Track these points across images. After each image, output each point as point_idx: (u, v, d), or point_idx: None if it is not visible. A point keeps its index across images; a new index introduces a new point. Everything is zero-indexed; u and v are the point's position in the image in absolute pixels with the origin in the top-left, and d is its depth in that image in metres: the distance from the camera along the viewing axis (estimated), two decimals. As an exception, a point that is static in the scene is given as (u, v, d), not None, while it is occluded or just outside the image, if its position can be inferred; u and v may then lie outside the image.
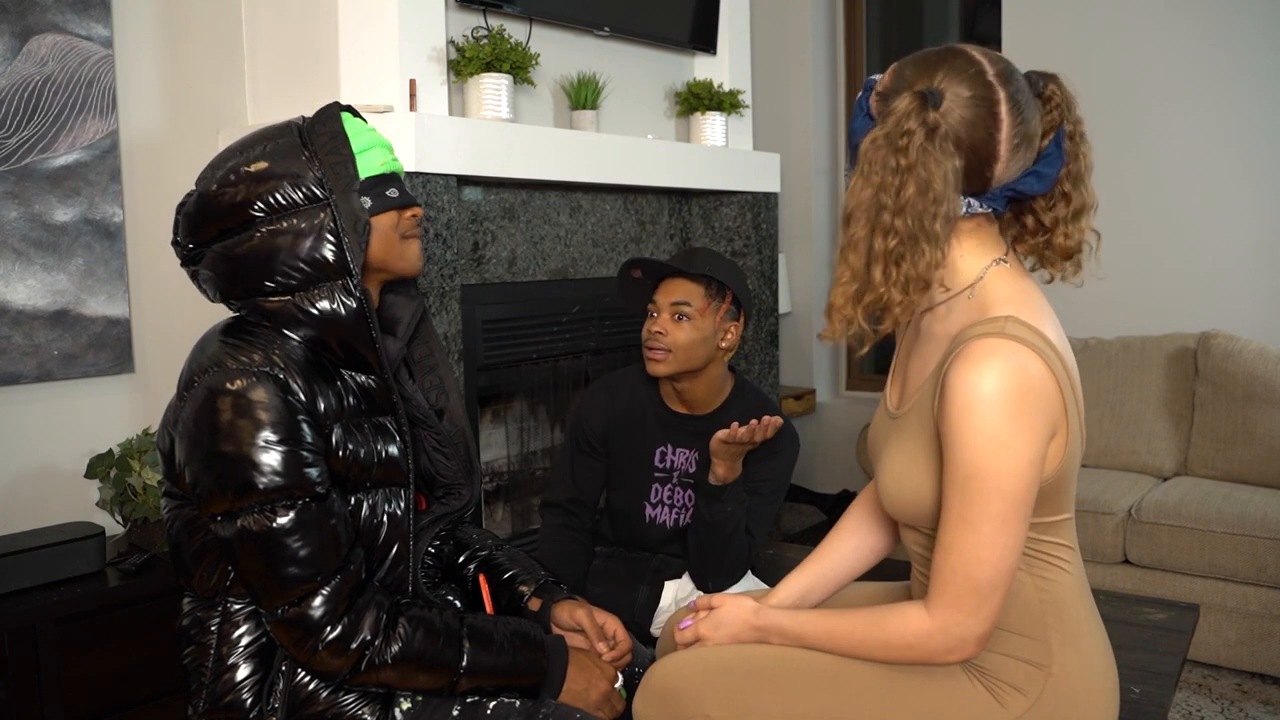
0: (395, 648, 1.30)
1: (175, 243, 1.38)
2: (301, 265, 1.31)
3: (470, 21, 2.64)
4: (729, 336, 2.00)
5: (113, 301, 2.35)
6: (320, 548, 1.26)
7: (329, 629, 1.25)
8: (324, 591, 1.25)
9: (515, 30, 2.71)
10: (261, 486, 1.23)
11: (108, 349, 2.34)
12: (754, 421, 1.81)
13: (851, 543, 1.54)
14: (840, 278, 1.20)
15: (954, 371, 1.17)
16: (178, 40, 2.50)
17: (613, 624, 1.55)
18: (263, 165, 1.32)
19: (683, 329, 1.95)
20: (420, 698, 1.38)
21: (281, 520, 1.24)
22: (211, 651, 1.35)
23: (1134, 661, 1.72)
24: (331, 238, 1.30)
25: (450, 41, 2.56)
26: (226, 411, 1.24)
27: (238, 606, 1.35)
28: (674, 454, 2.08)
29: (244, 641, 1.35)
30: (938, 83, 1.18)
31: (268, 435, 1.24)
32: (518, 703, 1.39)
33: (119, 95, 2.37)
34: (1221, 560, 2.84)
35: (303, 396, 1.29)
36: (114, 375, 2.37)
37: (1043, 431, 1.16)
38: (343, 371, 1.39)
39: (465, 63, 2.53)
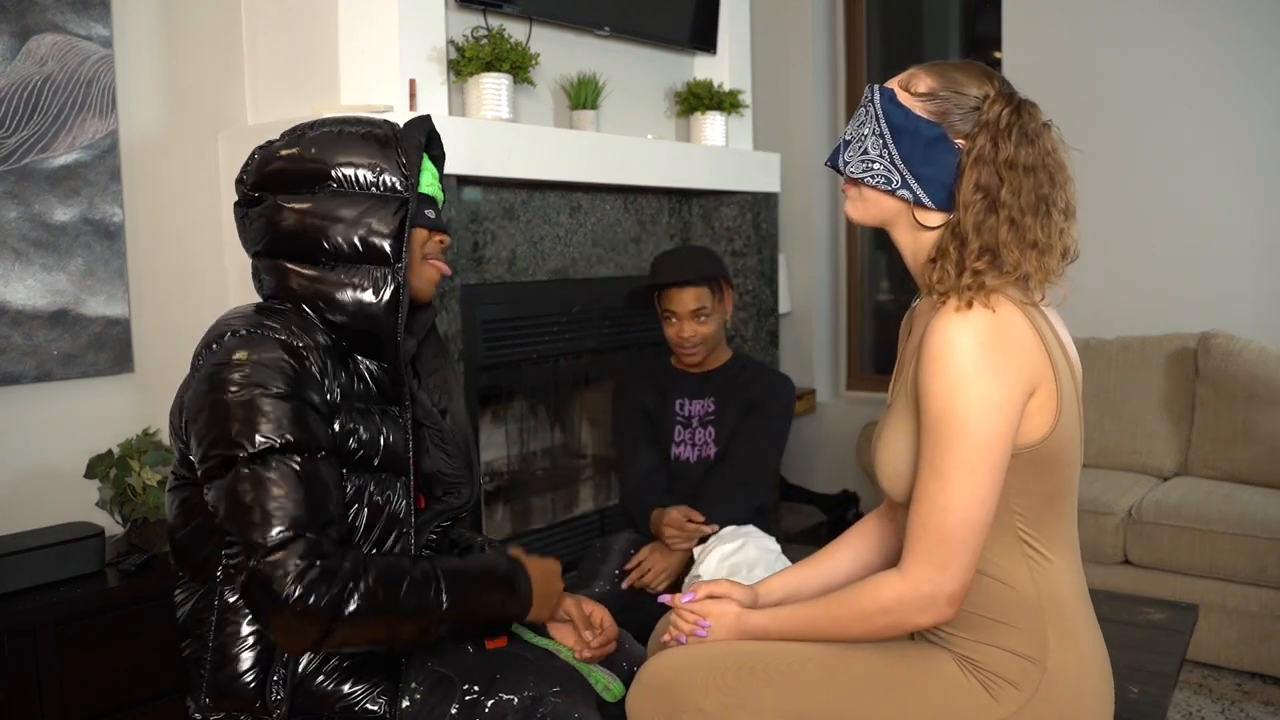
0: (362, 602, 1.24)
1: (240, 180, 1.45)
2: (355, 243, 1.37)
3: (470, 21, 2.64)
4: (729, 310, 2.45)
5: (112, 301, 2.35)
6: (306, 505, 1.24)
7: (297, 587, 1.20)
8: (300, 549, 1.21)
9: (515, 30, 2.72)
10: (264, 432, 1.24)
11: (107, 349, 2.34)
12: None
13: (849, 553, 1.54)
14: None
15: (931, 325, 1.21)
16: (178, 40, 2.50)
17: (599, 613, 1.57)
18: (356, 144, 1.40)
19: (705, 326, 2.36)
20: (420, 694, 1.39)
21: (274, 473, 1.24)
22: (211, 643, 1.35)
23: (1132, 661, 1.72)
24: (394, 229, 1.37)
25: (450, 41, 2.56)
26: (240, 367, 1.28)
27: (234, 598, 1.35)
28: (691, 404, 2.45)
29: (245, 632, 1.35)
30: None
31: (278, 388, 1.27)
32: (515, 700, 1.40)
33: (119, 95, 2.37)
34: (1222, 560, 2.84)
35: (316, 366, 1.33)
36: (114, 375, 2.37)
37: (1015, 380, 1.18)
38: (356, 357, 1.43)
39: (465, 63, 2.53)
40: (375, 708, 1.36)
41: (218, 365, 1.29)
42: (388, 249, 1.38)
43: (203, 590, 1.38)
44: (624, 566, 2.28)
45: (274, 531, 1.21)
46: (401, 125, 1.46)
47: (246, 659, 1.34)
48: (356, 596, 1.23)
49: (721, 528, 2.20)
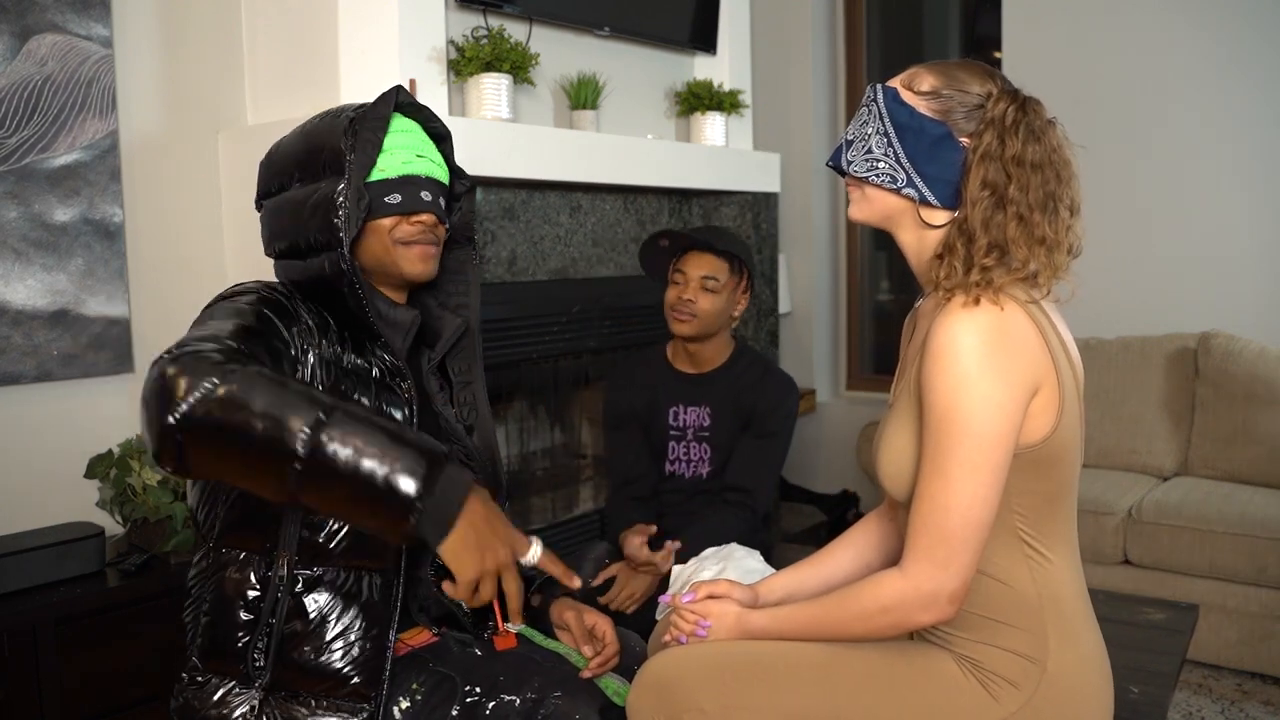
0: (234, 375, 1.06)
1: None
2: (314, 232, 1.37)
3: (470, 21, 2.64)
4: (740, 307, 2.33)
5: (112, 301, 2.35)
6: (229, 327, 1.19)
7: (187, 345, 1.09)
8: (194, 345, 1.10)
9: (515, 30, 2.71)
10: (228, 303, 1.29)
11: (107, 349, 2.34)
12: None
13: (850, 553, 1.54)
14: None
15: (936, 323, 1.21)
16: (178, 40, 2.50)
17: (603, 625, 1.53)
18: (314, 135, 1.41)
19: (709, 299, 2.24)
20: (421, 695, 1.38)
21: (220, 304, 1.29)
22: (208, 601, 1.36)
23: (1133, 661, 1.73)
24: (334, 212, 1.35)
25: (450, 41, 2.56)
26: (219, 299, 1.33)
27: (234, 554, 1.35)
28: (685, 413, 2.34)
29: (241, 591, 1.34)
30: None
31: (246, 301, 1.30)
32: (517, 701, 1.39)
33: (119, 95, 2.37)
34: (1222, 560, 2.84)
35: (300, 310, 1.35)
36: (114, 375, 2.37)
37: (1019, 379, 1.18)
38: (371, 345, 1.42)
39: (465, 63, 2.53)
40: (365, 714, 1.33)
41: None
42: (331, 231, 1.35)
43: (206, 549, 1.39)
44: (594, 581, 2.23)
45: (185, 339, 1.13)
46: (370, 104, 1.44)
47: (238, 620, 1.33)
48: (219, 374, 1.05)
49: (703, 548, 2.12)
